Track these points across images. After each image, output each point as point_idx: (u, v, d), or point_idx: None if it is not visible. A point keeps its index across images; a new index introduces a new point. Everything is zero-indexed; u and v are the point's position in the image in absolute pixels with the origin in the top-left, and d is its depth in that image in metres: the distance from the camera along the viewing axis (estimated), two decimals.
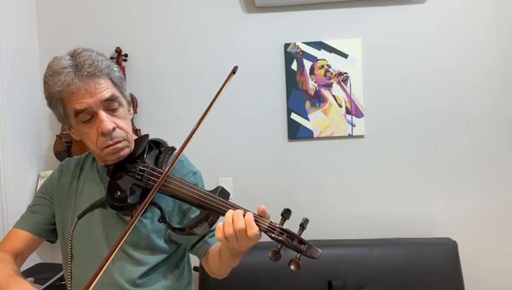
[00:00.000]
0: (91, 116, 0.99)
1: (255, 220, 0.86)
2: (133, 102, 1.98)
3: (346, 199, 1.98)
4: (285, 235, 0.84)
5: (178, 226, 0.99)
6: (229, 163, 2.01)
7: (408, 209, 1.96)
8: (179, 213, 1.09)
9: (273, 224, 0.86)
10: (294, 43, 1.96)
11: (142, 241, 1.06)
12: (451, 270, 1.77)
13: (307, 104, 1.96)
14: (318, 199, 1.99)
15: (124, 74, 1.97)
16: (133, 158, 1.06)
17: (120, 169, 1.04)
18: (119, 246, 0.89)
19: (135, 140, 1.09)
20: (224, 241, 0.86)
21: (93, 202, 1.06)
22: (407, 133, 1.96)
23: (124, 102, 1.06)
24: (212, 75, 1.99)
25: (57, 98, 0.99)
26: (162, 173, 0.97)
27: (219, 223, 0.88)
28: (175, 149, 1.12)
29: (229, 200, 0.93)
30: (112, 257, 0.88)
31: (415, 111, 1.95)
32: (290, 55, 1.96)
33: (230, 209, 0.88)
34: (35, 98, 2.01)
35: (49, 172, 1.98)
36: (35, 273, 1.74)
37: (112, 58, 1.98)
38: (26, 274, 1.69)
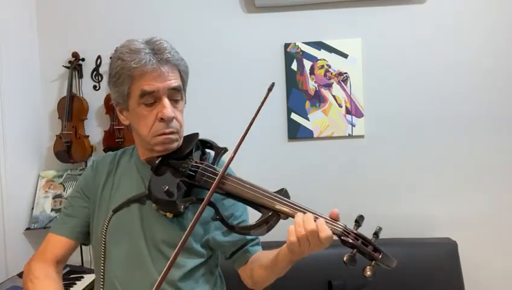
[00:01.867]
0: (154, 100, 0.99)
1: (328, 223, 0.85)
2: None
3: (346, 198, 1.98)
4: (360, 241, 0.82)
5: (233, 223, 0.99)
6: None
7: (408, 209, 1.96)
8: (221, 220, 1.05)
9: (348, 228, 0.85)
10: (294, 43, 1.96)
11: (178, 240, 0.98)
12: (451, 270, 1.77)
13: (307, 104, 1.96)
14: (318, 198, 1.97)
15: None
16: (181, 155, 1.04)
17: (165, 165, 1.03)
18: (178, 248, 0.85)
19: (184, 137, 1.09)
20: (296, 244, 0.84)
21: (131, 197, 1.03)
22: (407, 133, 1.96)
23: (184, 97, 1.08)
24: (212, 75, 1.99)
25: (127, 75, 0.99)
26: (217, 171, 0.97)
27: (291, 227, 0.85)
28: (227, 150, 1.12)
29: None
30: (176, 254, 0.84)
31: (415, 111, 1.95)
32: (290, 55, 1.96)
33: (299, 213, 0.87)
34: (35, 98, 2.01)
35: (49, 172, 1.99)
36: None
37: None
38: (22, 274, 1.69)
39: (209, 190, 0.92)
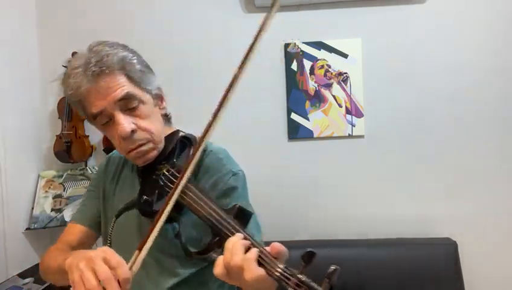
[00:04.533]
0: (109, 118, 0.90)
1: (262, 262, 0.65)
2: None
3: (346, 199, 1.98)
4: (303, 288, 0.61)
5: (192, 248, 0.83)
6: None
7: (408, 209, 1.96)
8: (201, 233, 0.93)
9: (289, 272, 0.63)
10: (294, 43, 1.96)
11: (172, 248, 0.93)
12: (451, 270, 1.77)
13: (307, 104, 1.96)
14: (318, 199, 1.99)
15: None
16: (161, 158, 0.95)
17: (151, 170, 0.94)
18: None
19: (166, 137, 0.98)
20: (224, 278, 0.68)
21: (128, 202, 0.97)
22: (407, 133, 1.95)
23: (147, 98, 0.94)
24: (212, 75, 1.98)
25: (74, 101, 0.92)
26: (176, 179, 0.84)
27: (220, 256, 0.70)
28: (204, 150, 0.97)
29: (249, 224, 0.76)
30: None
31: (415, 111, 1.95)
32: (290, 55, 1.96)
33: (232, 238, 0.69)
34: (35, 98, 2.01)
35: (49, 172, 1.99)
36: (35, 273, 1.73)
37: None
38: (26, 274, 1.69)
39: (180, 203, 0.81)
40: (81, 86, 0.87)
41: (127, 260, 0.92)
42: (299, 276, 0.62)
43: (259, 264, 0.65)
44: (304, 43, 1.95)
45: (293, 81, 1.96)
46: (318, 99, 1.96)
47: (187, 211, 0.86)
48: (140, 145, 0.91)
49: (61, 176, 1.98)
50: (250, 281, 0.63)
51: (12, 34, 1.86)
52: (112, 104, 0.88)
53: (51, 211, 1.90)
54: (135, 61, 0.93)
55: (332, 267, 0.61)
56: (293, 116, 1.97)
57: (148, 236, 0.78)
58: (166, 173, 0.89)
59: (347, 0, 1.94)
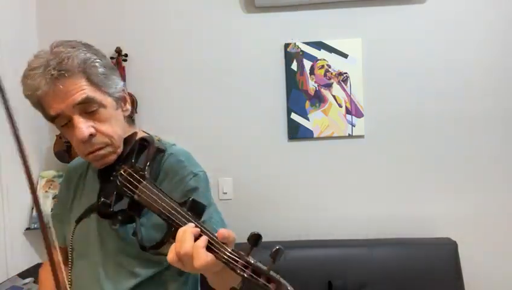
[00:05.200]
0: (67, 120, 0.88)
1: (211, 247, 0.67)
2: (133, 102, 1.97)
3: (346, 199, 1.98)
4: (249, 269, 0.64)
5: (147, 243, 0.84)
6: (229, 163, 2.00)
7: (408, 209, 1.96)
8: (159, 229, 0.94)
9: (236, 254, 0.65)
10: (294, 43, 1.96)
11: (133, 249, 0.91)
12: (451, 270, 1.77)
13: (307, 104, 1.96)
14: (318, 198, 1.99)
15: (124, 74, 1.97)
16: (121, 159, 0.94)
17: (108, 172, 0.94)
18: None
19: (125, 139, 0.96)
20: (177, 264, 0.69)
21: (88, 206, 0.96)
22: (407, 133, 1.96)
23: (108, 101, 0.91)
24: (212, 75, 1.99)
25: (32, 102, 0.90)
26: (142, 178, 0.84)
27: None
28: (163, 151, 0.96)
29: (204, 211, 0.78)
30: None
31: (415, 111, 1.95)
32: (290, 55, 1.96)
33: (183, 227, 0.71)
34: None
35: (49, 172, 1.99)
36: (35, 273, 1.73)
37: (112, 58, 1.98)
38: (26, 274, 1.69)
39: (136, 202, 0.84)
40: (38, 88, 0.85)
41: (90, 269, 0.96)
42: (246, 258, 0.64)
43: (209, 249, 0.67)
44: (303, 43, 1.95)
45: (293, 81, 1.96)
46: (318, 99, 1.96)
47: (147, 212, 0.86)
48: (99, 149, 0.90)
49: (61, 176, 1.98)
50: (200, 267, 0.65)
51: (12, 34, 1.86)
52: (70, 107, 0.86)
53: (51, 211, 1.90)
54: (97, 63, 0.90)
55: (277, 247, 0.64)
56: (293, 116, 1.97)
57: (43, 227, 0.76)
58: (124, 174, 0.88)
59: (347, 0, 1.94)
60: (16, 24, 1.91)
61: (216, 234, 0.68)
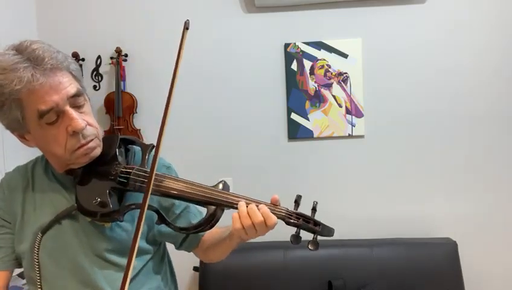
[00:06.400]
0: (57, 115, 0.86)
1: (271, 209, 0.89)
2: (133, 102, 1.98)
3: (346, 199, 1.98)
4: (301, 219, 0.90)
5: (182, 225, 0.97)
6: (229, 163, 2.00)
7: (408, 209, 1.96)
8: (163, 211, 0.99)
9: (290, 211, 0.91)
10: (294, 43, 1.96)
11: (123, 246, 0.95)
12: (451, 270, 1.77)
13: (307, 104, 1.96)
14: (318, 199, 1.97)
15: (124, 74, 1.97)
16: (106, 159, 0.95)
17: (90, 173, 0.94)
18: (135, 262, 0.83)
19: (103, 139, 0.98)
20: (242, 232, 0.87)
21: (59, 213, 0.94)
22: (407, 133, 1.96)
23: (87, 97, 0.95)
24: (212, 75, 1.99)
25: (12, 100, 0.84)
26: (149, 173, 0.88)
27: (234, 214, 0.87)
28: (154, 146, 1.00)
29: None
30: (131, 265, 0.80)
31: (415, 111, 1.95)
32: (290, 55, 1.96)
33: (242, 201, 0.89)
34: None
35: None
36: None
37: (112, 58, 1.98)
38: (23, 274, 1.68)
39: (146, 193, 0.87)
40: (32, 80, 0.82)
41: (74, 271, 0.94)
42: (297, 212, 0.92)
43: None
44: (303, 43, 1.95)
45: (293, 81, 1.96)
46: (318, 99, 1.96)
47: (151, 201, 0.92)
48: (89, 141, 0.91)
49: None
50: (271, 226, 0.87)
51: (12, 34, 1.86)
52: (64, 100, 0.86)
53: None
54: (71, 61, 0.93)
55: (297, 195, 0.96)
56: (293, 116, 1.97)
57: (135, 242, 0.82)
58: (131, 170, 0.93)
59: (347, 0, 1.94)
60: (16, 24, 1.91)
61: (271, 199, 0.92)
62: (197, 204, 0.95)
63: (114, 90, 1.96)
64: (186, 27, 0.95)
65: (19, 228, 0.99)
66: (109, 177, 0.93)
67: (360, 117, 1.96)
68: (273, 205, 0.91)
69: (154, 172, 0.87)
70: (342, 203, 1.98)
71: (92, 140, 0.91)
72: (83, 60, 1.99)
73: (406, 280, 1.73)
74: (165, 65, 2.00)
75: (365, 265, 1.76)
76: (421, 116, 1.95)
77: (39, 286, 0.96)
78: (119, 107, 1.94)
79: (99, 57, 2.01)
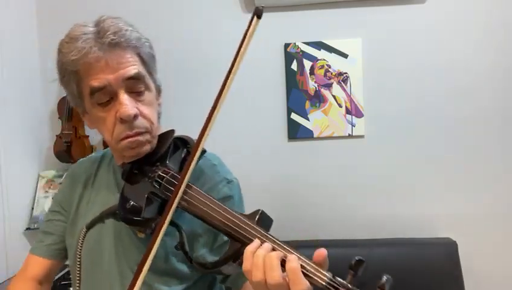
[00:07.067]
0: (110, 97, 0.79)
1: (304, 272, 0.61)
2: None
3: (346, 199, 1.98)
4: None
5: (201, 260, 0.78)
6: (228, 163, 2.00)
7: (408, 209, 1.96)
8: (210, 234, 0.84)
9: (337, 282, 0.61)
10: (294, 43, 1.96)
11: (159, 264, 0.82)
12: (451, 270, 1.77)
13: (307, 104, 1.96)
14: (318, 199, 1.99)
15: None
16: (154, 159, 0.85)
17: (138, 171, 0.84)
18: (141, 278, 0.68)
19: (159, 136, 0.89)
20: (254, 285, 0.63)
21: (104, 210, 0.87)
22: (407, 133, 1.96)
23: (152, 86, 0.87)
24: (212, 75, 1.99)
25: (70, 71, 0.80)
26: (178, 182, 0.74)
27: (246, 264, 0.63)
28: (205, 151, 0.89)
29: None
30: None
31: (415, 111, 1.95)
32: (290, 55, 1.96)
33: (260, 249, 0.63)
34: (35, 98, 2.01)
35: (49, 172, 1.99)
36: None
37: None
38: None
39: (179, 208, 0.74)
40: (89, 53, 0.77)
41: (102, 281, 0.84)
42: (349, 286, 0.58)
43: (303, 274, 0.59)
44: (303, 43, 1.95)
45: (293, 81, 1.96)
46: (318, 99, 1.96)
47: (181, 218, 0.78)
48: (138, 134, 0.81)
49: (61, 176, 1.98)
50: None
51: (12, 34, 1.86)
52: (119, 80, 0.78)
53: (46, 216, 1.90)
54: (147, 44, 0.87)
55: (356, 258, 0.60)
56: (293, 116, 1.97)
57: (149, 253, 0.69)
58: (165, 175, 0.79)
59: (347, 0, 1.94)
60: (16, 24, 1.91)
61: (314, 255, 0.61)
62: (221, 232, 0.73)
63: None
64: (257, 14, 0.77)
65: (72, 220, 0.94)
66: (149, 179, 0.81)
67: (360, 117, 1.96)
68: (314, 264, 0.62)
69: (184, 183, 0.72)
70: (341, 203, 1.98)
71: (140, 133, 0.81)
72: None
73: (406, 280, 1.73)
74: (164, 65, 2.01)
75: (365, 265, 1.75)
76: (422, 116, 1.95)
77: (78, 285, 0.90)
78: None
79: None
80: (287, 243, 0.65)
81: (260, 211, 0.71)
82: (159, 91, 0.93)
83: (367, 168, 1.97)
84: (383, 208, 1.97)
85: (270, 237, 0.66)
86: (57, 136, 1.97)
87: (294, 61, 1.96)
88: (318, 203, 1.98)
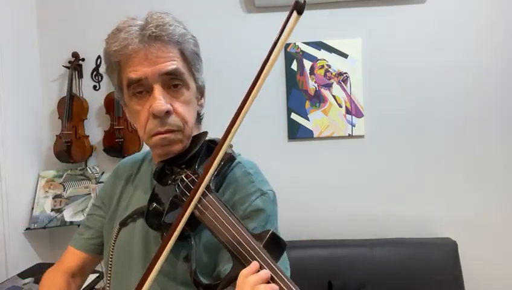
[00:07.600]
0: (146, 90, 0.78)
1: None
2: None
3: (346, 199, 1.98)
4: None
5: (204, 280, 0.70)
6: None
7: (408, 209, 1.96)
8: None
9: None
10: (294, 43, 1.96)
11: (180, 274, 0.77)
12: (451, 270, 1.77)
13: (307, 104, 1.96)
14: (318, 199, 1.99)
15: None
16: (183, 160, 0.81)
17: (169, 172, 0.81)
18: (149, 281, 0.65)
19: (193, 137, 0.85)
20: None
21: (136, 209, 0.85)
22: (407, 133, 1.96)
23: (193, 85, 0.85)
24: (212, 75, 1.98)
25: (113, 62, 0.80)
26: (206, 189, 0.70)
27: (237, 287, 0.60)
28: (233, 158, 0.86)
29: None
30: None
31: (415, 111, 1.95)
32: (290, 55, 1.96)
33: (254, 275, 0.59)
34: (35, 98, 2.01)
35: (49, 172, 1.99)
36: (35, 273, 1.73)
37: None
38: (26, 274, 1.69)
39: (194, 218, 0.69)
40: (129, 44, 0.76)
41: (129, 282, 0.80)
42: None
43: None
44: (303, 43, 1.95)
45: (293, 81, 1.96)
46: (318, 99, 1.96)
47: (202, 229, 0.74)
48: (170, 132, 0.79)
49: (61, 176, 1.98)
50: None
51: (12, 34, 1.86)
52: (156, 75, 0.77)
53: (51, 211, 1.90)
54: (192, 41, 0.85)
55: None
56: (293, 116, 1.97)
57: (159, 257, 0.66)
58: (186, 180, 0.76)
59: (347, 0, 1.94)
60: (16, 24, 1.91)
61: None
62: (228, 252, 0.67)
63: (114, 90, 1.96)
64: (297, 9, 0.70)
65: (110, 216, 0.93)
66: (173, 182, 0.78)
67: (360, 117, 1.96)
68: None
69: (201, 188, 0.68)
70: (341, 203, 1.98)
71: (172, 131, 0.79)
72: (83, 60, 1.99)
73: (406, 280, 1.73)
74: None
75: (365, 265, 1.75)
76: (421, 116, 1.95)
77: (108, 283, 0.88)
78: (119, 107, 1.94)
79: (99, 57, 2.00)
80: (291, 280, 0.59)
81: (270, 232, 0.64)
82: (201, 91, 0.91)
83: (367, 168, 1.97)
84: (383, 208, 1.97)
85: (272, 264, 0.60)
86: (57, 136, 1.97)
87: (294, 61, 1.96)
88: (318, 203, 1.98)
